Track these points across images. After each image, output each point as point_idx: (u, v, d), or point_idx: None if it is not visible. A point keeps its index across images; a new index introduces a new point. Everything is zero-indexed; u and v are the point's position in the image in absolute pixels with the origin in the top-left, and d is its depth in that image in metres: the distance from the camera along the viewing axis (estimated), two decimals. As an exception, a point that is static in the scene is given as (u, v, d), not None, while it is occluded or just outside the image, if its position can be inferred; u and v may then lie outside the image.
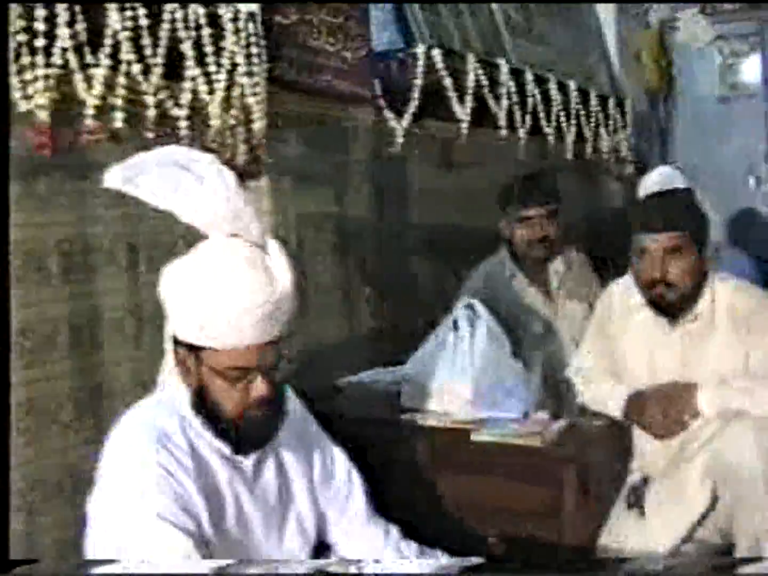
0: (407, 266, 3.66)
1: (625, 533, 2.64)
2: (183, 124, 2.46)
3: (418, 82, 3.47)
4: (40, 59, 2.10)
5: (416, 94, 3.47)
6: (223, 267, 1.84)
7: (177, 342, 1.93)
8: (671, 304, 2.71)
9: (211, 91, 2.53)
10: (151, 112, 2.38)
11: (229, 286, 1.82)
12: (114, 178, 1.85)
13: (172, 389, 1.97)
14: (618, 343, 2.90)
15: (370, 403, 2.97)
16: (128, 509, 1.82)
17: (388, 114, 3.42)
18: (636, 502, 2.70)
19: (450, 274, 3.71)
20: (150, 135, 2.37)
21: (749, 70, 6.11)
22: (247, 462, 2.00)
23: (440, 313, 3.21)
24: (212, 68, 2.54)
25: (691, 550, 2.64)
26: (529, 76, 4.18)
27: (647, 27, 6.08)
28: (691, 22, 6.16)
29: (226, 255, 1.85)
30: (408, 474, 2.67)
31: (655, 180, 3.70)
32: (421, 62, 3.47)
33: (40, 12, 2.09)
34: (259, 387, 1.89)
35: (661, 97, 6.20)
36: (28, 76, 2.10)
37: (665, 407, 2.70)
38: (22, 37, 2.08)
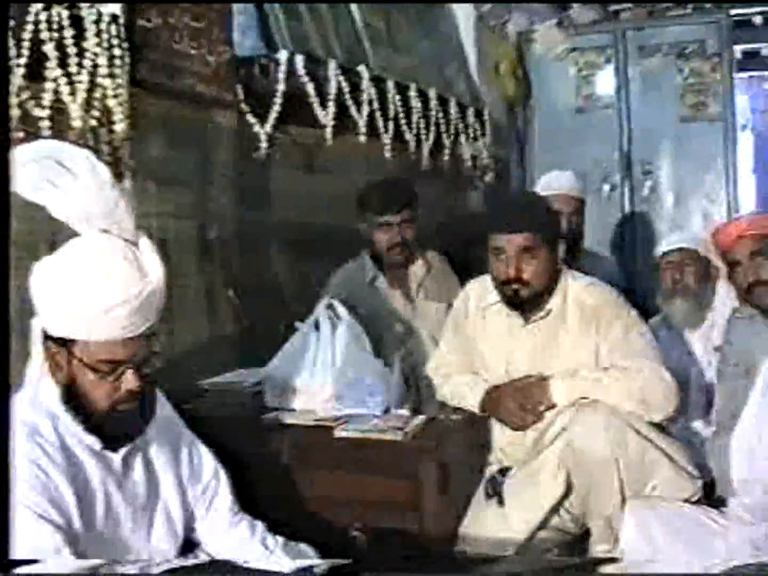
0: (270, 268, 3.68)
1: (484, 522, 2.74)
2: (45, 124, 2.45)
3: (281, 87, 3.50)
4: None
5: (278, 100, 3.50)
6: (96, 260, 1.87)
7: (47, 337, 1.93)
8: (525, 301, 2.84)
9: (72, 92, 2.52)
10: (15, 112, 2.36)
11: (102, 278, 1.85)
12: None
13: (41, 386, 1.97)
14: (475, 339, 3.02)
15: (234, 403, 2.99)
16: None
17: (251, 119, 3.44)
18: (494, 491, 2.80)
19: (312, 276, 3.75)
20: (16, 135, 2.34)
21: (604, 81, 6.33)
22: (117, 457, 2.02)
23: (302, 314, 3.27)
24: (74, 69, 2.53)
25: (546, 536, 2.76)
26: (390, 84, 4.26)
27: (505, 38, 6.23)
28: (547, 35, 6.35)
29: (100, 249, 1.88)
30: (272, 471, 2.70)
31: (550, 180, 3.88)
32: (283, 68, 3.50)
33: None
34: (130, 380, 1.92)
35: (518, 107, 6.38)
36: None
37: (520, 400, 2.82)
38: None
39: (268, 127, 3.49)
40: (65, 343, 1.91)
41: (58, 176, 1.85)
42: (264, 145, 3.50)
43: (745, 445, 2.56)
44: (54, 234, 2.13)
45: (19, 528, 1.77)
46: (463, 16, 5.75)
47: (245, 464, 2.49)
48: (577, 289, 2.89)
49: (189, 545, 2.27)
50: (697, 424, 3.21)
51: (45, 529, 1.83)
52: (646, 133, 6.15)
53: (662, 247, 3.66)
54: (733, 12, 6.87)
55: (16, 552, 1.76)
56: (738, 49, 8.95)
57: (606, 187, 6.16)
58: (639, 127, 6.18)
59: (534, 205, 2.95)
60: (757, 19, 8.20)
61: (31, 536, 1.81)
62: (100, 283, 1.85)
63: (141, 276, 1.90)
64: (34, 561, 1.72)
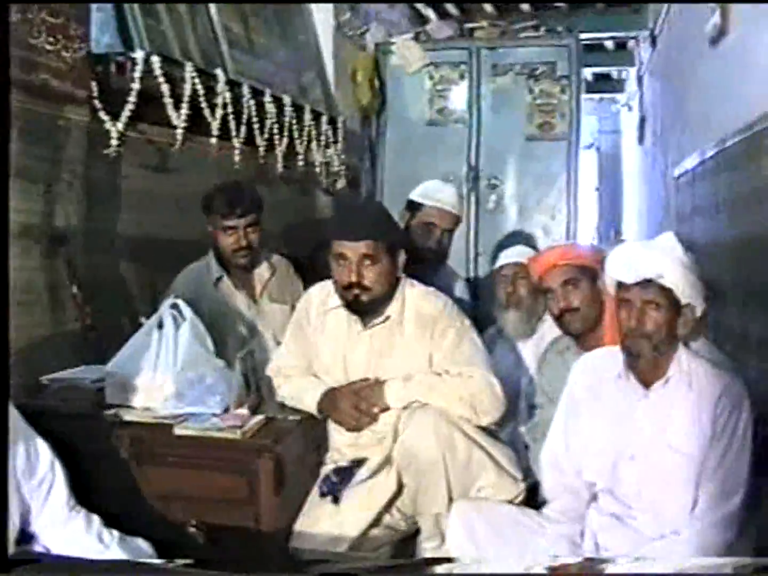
0: (115, 266, 3.67)
1: (319, 519, 2.83)
2: None
3: (136, 86, 3.50)
4: None
5: (133, 98, 3.50)
6: None
7: None
8: (365, 306, 2.95)
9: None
10: None
11: None
12: None
13: None
14: (315, 342, 3.11)
15: (75, 399, 2.97)
16: None
17: (104, 116, 3.43)
18: (329, 490, 2.89)
19: (158, 275, 3.75)
20: None
21: (457, 97, 6.52)
22: None
23: (146, 312, 3.30)
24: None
25: (378, 534, 2.87)
26: (245, 88, 4.30)
27: (363, 49, 6.35)
28: (404, 48, 6.50)
29: None
30: (112, 467, 2.72)
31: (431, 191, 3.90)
32: (139, 67, 3.51)
33: None
34: None
35: (373, 117, 6.50)
36: None
37: (356, 402, 2.93)
38: None
39: (120, 125, 3.48)
40: None
41: None
42: (115, 142, 3.48)
43: (552, 458, 2.76)
44: None
45: None
46: (322, 24, 5.82)
47: (85, 460, 2.52)
48: (414, 297, 3.01)
49: (27, 537, 2.29)
50: (524, 430, 3.36)
51: None
52: (494, 149, 6.37)
53: (499, 261, 3.82)
54: (586, 36, 7.17)
55: None
56: (589, 72, 9.36)
57: (454, 200, 6.33)
58: (488, 142, 6.39)
59: (376, 214, 3.06)
60: (609, 44, 8.60)
61: None
62: None
63: None
64: (35, 561, 1.82)
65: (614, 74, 10.22)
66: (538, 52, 6.45)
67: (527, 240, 5.09)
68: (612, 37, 8.36)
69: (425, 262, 3.53)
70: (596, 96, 10.70)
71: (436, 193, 3.92)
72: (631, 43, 8.43)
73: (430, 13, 7.32)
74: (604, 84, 10.44)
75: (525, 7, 7.35)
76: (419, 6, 7.19)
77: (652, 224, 7.04)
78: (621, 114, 10.89)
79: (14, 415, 2.28)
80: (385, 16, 6.86)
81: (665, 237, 2.61)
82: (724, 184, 3.93)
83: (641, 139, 8.11)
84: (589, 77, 9.71)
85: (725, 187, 3.91)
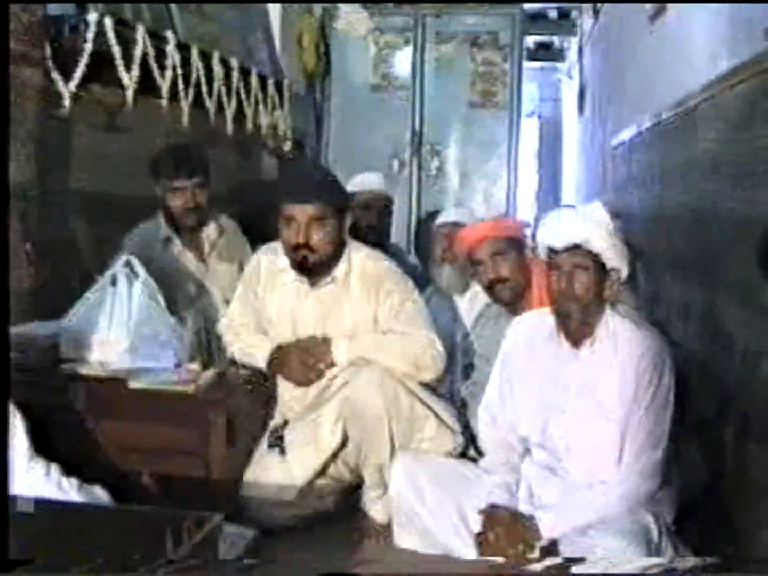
0: (67, 223, 3.73)
1: (267, 470, 2.98)
2: None
3: (88, 47, 3.54)
4: None
5: (84, 60, 3.54)
6: None
7: None
8: (313, 267, 3.07)
9: None
10: None
11: None
12: None
13: None
14: (264, 301, 3.22)
15: (30, 354, 3.03)
16: None
17: (56, 77, 3.48)
18: (277, 442, 3.03)
19: (109, 233, 3.80)
20: None
21: (401, 62, 6.63)
22: None
23: (97, 269, 3.37)
24: None
25: (324, 483, 3.01)
26: (194, 51, 4.36)
27: (310, 13, 6.40)
28: (350, 13, 6.57)
29: None
30: (68, 420, 2.83)
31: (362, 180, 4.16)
32: (92, 28, 3.56)
33: None
34: None
35: (318, 81, 6.58)
36: None
37: (304, 358, 3.06)
38: None
39: (72, 85, 3.53)
40: None
41: None
42: (67, 103, 3.53)
43: (489, 414, 2.93)
44: None
45: None
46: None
47: (42, 412, 2.60)
48: (360, 259, 3.14)
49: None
50: (462, 387, 3.51)
51: None
52: (436, 116, 6.50)
53: (437, 220, 3.97)
54: (529, 6, 7.30)
55: None
56: (531, 40, 9.48)
57: (395, 164, 6.47)
58: (431, 109, 6.52)
59: (324, 179, 3.17)
60: (552, 13, 8.71)
61: None
62: None
63: None
64: (33, 561, 1.76)
65: (556, 43, 10.34)
66: (481, 20, 6.57)
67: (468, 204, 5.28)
68: (557, 7, 8.49)
69: (369, 242, 3.64)
70: (538, 64, 10.82)
71: (365, 182, 4.50)
72: (574, 13, 8.55)
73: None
74: (545, 53, 10.55)
75: (470, -26, 7.44)
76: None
77: (590, 193, 7.21)
78: (562, 83, 11.03)
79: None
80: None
81: (592, 206, 2.77)
82: (659, 155, 4.09)
83: (581, 108, 8.25)
84: (531, 45, 9.84)
85: (659, 159, 4.07)
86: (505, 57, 6.54)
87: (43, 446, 2.51)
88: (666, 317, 3.71)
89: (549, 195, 11.52)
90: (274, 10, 5.90)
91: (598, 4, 6.75)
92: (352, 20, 6.60)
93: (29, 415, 2.49)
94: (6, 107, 2.19)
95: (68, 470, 2.50)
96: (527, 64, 8.10)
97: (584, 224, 2.66)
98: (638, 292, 3.52)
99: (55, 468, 2.47)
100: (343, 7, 6.62)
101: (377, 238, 4.18)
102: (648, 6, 4.31)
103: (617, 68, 5.82)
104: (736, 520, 2.65)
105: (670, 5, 3.97)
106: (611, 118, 5.99)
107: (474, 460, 3.03)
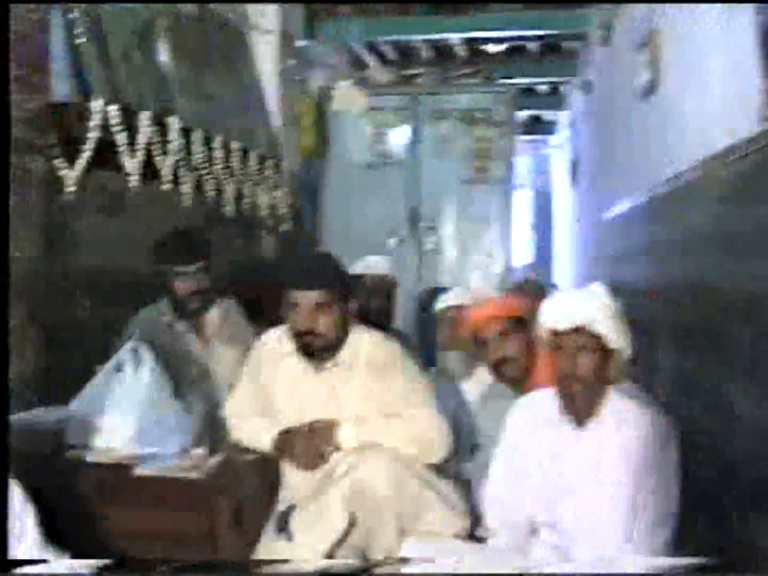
0: (73, 308, 3.78)
1: (275, 554, 2.96)
2: None
3: (93, 135, 3.62)
4: None
5: (90, 146, 3.62)
6: None
7: None
8: (318, 352, 3.11)
9: None
10: None
11: None
12: None
13: None
14: (269, 385, 3.25)
15: (37, 441, 3.07)
16: None
17: (61, 163, 3.55)
18: (284, 527, 3.03)
19: (113, 318, 3.86)
20: None
21: (397, 141, 6.77)
22: None
23: (102, 355, 3.41)
24: None
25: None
26: (197, 135, 4.44)
27: (306, 94, 6.51)
28: (346, 93, 6.69)
29: None
30: (75, 506, 2.84)
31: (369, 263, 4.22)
32: (97, 116, 3.63)
33: None
34: None
35: (314, 160, 6.68)
36: None
37: (309, 442, 3.08)
38: None
39: (76, 171, 3.59)
40: None
41: None
42: (71, 189, 3.60)
43: (493, 495, 2.97)
44: None
45: None
46: (267, 69, 5.98)
47: (51, 499, 2.61)
48: (366, 343, 3.18)
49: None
50: (468, 466, 3.52)
51: None
52: (432, 192, 6.61)
53: (440, 303, 4.02)
54: (521, 81, 7.47)
55: None
56: (523, 115, 9.67)
57: (392, 241, 6.56)
58: (427, 185, 6.63)
59: (327, 264, 3.21)
60: (543, 87, 8.90)
61: None
62: None
63: None
64: (34, 561, 1.94)
65: (546, 117, 10.54)
66: (475, 98, 6.72)
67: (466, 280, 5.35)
68: (547, 82, 8.68)
69: (376, 324, 3.68)
70: (529, 137, 11.01)
71: (372, 265, 4.53)
72: (564, 88, 8.72)
73: (370, 59, 7.53)
74: (537, 126, 10.76)
75: (462, 53, 7.60)
76: (359, 51, 7.39)
77: (584, 264, 7.29)
78: (552, 156, 11.21)
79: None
80: (327, 59, 7.06)
81: (594, 286, 2.82)
82: (653, 230, 4.16)
83: (574, 180, 8.39)
84: (523, 119, 10.02)
85: (654, 233, 4.14)
86: (500, 133, 6.67)
87: (53, 533, 2.52)
88: (666, 387, 3.76)
89: (542, 263, 11.61)
90: (272, 89, 6.00)
91: (589, 81, 6.90)
92: (347, 100, 6.72)
93: (39, 501, 2.50)
94: (6, 108, 2.33)
95: (79, 557, 2.51)
96: (519, 138, 8.28)
97: (587, 306, 2.71)
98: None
99: (66, 556, 2.48)
100: (339, 87, 6.74)
101: (384, 320, 4.24)
102: (638, 84, 4.41)
103: (609, 142, 5.94)
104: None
105: (661, 81, 4.07)
106: (604, 190, 6.08)
107: (481, 541, 3.03)
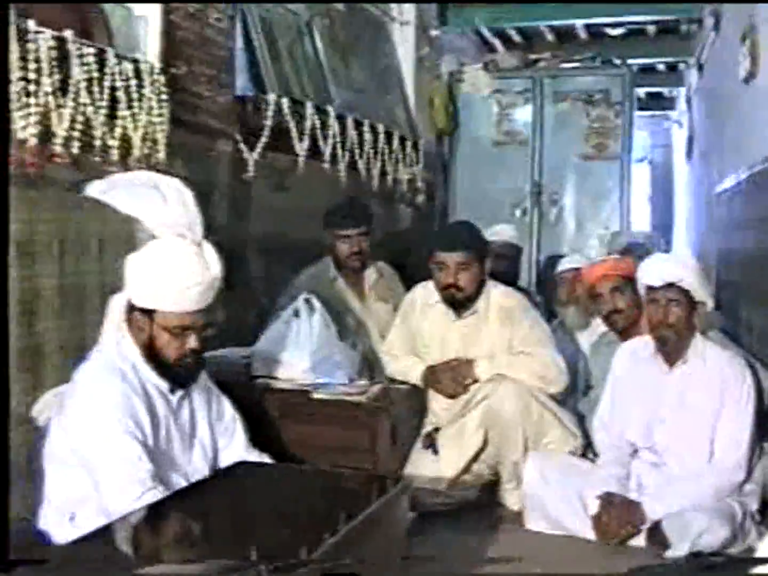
0: (248, 267, 4.46)
1: (421, 466, 3.64)
2: (115, 151, 3.25)
3: (269, 123, 4.35)
4: (32, 100, 2.85)
5: (266, 133, 4.34)
6: (177, 256, 2.68)
7: (133, 309, 2.73)
8: (459, 302, 3.77)
9: (135, 128, 3.32)
10: (97, 142, 3.17)
11: (181, 268, 2.67)
12: (94, 189, 2.69)
13: (123, 343, 2.75)
14: (418, 329, 3.93)
15: (230, 372, 3.64)
16: (96, 422, 2.60)
17: (243, 147, 4.26)
18: (429, 445, 3.71)
19: (281, 272, 4.49)
20: (96, 158, 3.15)
21: (521, 120, 7.25)
22: (174, 398, 2.80)
23: (270, 305, 4.09)
24: (136, 110, 3.33)
25: (468, 479, 3.67)
26: (350, 121, 5.13)
27: (438, 78, 7.14)
28: (474, 76, 7.25)
29: (179, 248, 2.70)
30: (263, 423, 3.43)
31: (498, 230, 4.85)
32: (272, 107, 4.36)
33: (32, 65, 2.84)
34: (193, 341, 2.74)
35: (446, 138, 7.29)
36: (23, 112, 2.83)
37: (452, 375, 3.75)
38: (20, 83, 2.80)
39: (255, 154, 4.30)
40: (147, 312, 2.70)
41: (152, 198, 2.68)
42: (252, 168, 4.30)
43: (602, 423, 3.58)
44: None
45: (108, 442, 2.56)
46: (404, 58, 6.59)
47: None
48: (497, 295, 3.83)
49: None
50: (582, 402, 4.14)
51: (129, 440, 2.59)
52: (554, 168, 7.09)
53: (560, 266, 4.64)
54: (638, 61, 7.85)
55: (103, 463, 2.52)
56: (642, 91, 9.99)
57: (517, 212, 7.09)
58: (549, 161, 7.11)
59: (468, 231, 3.85)
60: (661, 66, 9.25)
61: (119, 447, 2.58)
62: (178, 272, 2.66)
63: (205, 268, 2.72)
64: (34, 561, 1.91)
65: (666, 93, 10.80)
66: (594, 80, 7.16)
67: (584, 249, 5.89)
68: (664, 62, 9.04)
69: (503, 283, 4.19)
70: (649, 113, 11.26)
71: (501, 233, 5.11)
72: (681, 66, 9.03)
73: (496, 41, 8.06)
74: (656, 102, 11.00)
75: (583, 36, 8.07)
76: (486, 35, 7.92)
77: (698, 235, 7.61)
78: (672, 129, 11.43)
79: (206, 377, 3.00)
80: (457, 44, 7.60)
81: (683, 252, 3.43)
82: (753, 203, 4.63)
83: (689, 155, 8.67)
84: (642, 95, 10.31)
85: (753, 206, 4.60)
86: (617, 113, 7.05)
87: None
88: (750, 340, 4.31)
89: (660, 235, 11.83)
90: (408, 78, 6.62)
91: (702, 60, 7.25)
92: (475, 83, 7.26)
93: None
94: (6, 108, 2.60)
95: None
96: (638, 113, 8.60)
97: (678, 266, 3.32)
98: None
99: (266, 458, 3.07)
100: (469, 71, 7.29)
101: (510, 280, 4.67)
102: (740, 72, 4.85)
103: (718, 121, 6.31)
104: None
105: (759, 71, 4.53)
106: (715, 165, 6.43)
107: (591, 460, 3.65)
